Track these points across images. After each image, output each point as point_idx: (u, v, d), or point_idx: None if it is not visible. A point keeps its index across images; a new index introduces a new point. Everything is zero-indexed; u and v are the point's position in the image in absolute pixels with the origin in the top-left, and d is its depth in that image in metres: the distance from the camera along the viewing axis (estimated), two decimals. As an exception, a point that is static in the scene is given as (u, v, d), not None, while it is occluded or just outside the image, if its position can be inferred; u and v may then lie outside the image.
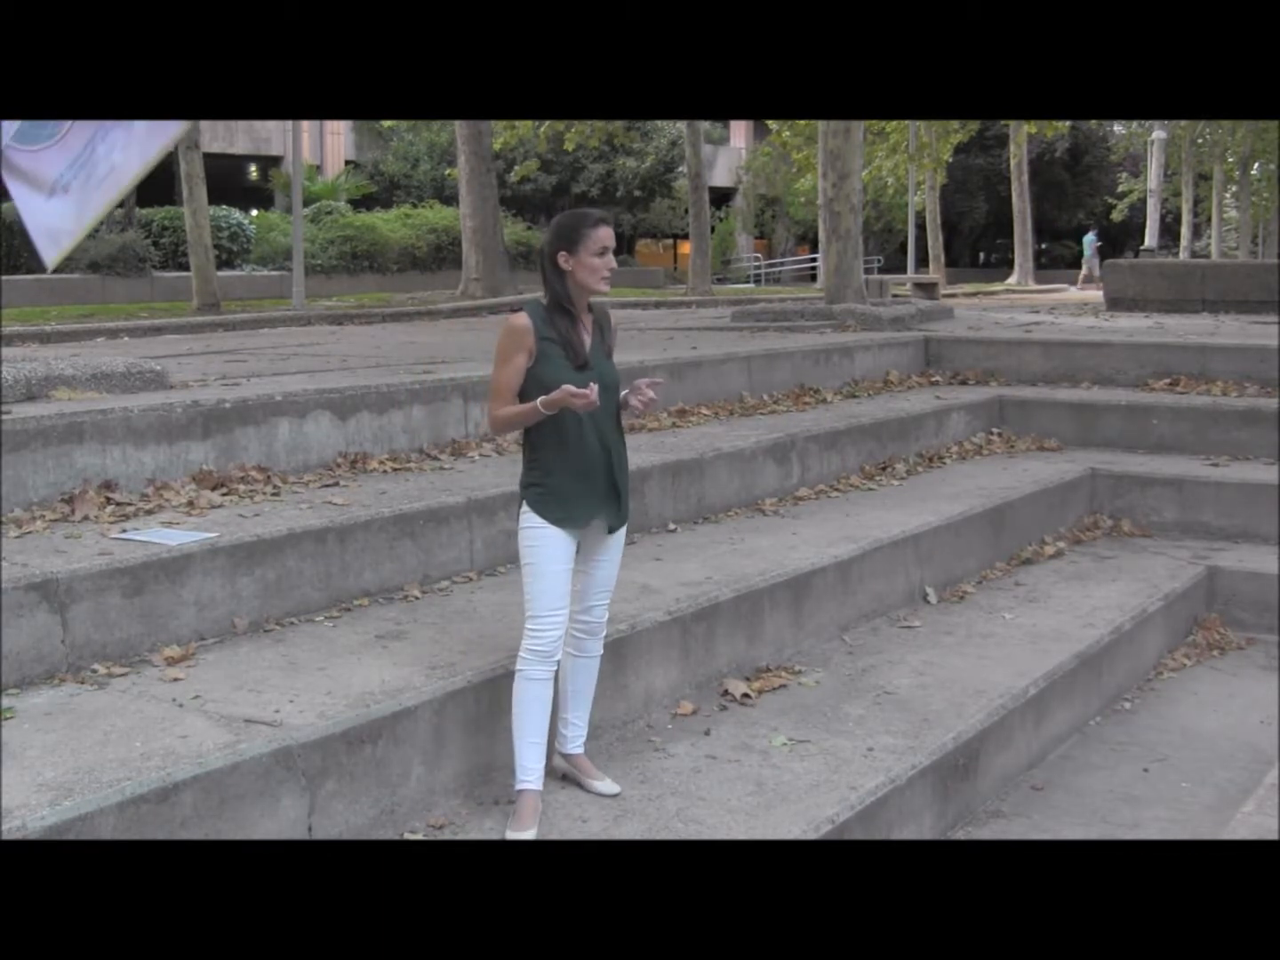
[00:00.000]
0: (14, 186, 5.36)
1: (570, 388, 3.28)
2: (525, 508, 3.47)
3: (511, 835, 3.30)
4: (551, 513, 3.42)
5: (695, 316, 14.07)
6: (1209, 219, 43.50)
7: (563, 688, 3.59)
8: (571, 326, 3.45)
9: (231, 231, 24.32)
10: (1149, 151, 33.99)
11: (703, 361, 7.38)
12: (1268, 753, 4.61)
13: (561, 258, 3.40)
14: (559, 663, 3.48)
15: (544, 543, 3.41)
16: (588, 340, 3.50)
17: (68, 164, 5.38)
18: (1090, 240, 36.15)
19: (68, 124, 5.35)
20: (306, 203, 23.02)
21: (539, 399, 3.34)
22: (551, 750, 3.61)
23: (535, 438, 3.49)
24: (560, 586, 3.41)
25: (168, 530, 4.09)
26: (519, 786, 3.39)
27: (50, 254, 5.53)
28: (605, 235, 3.40)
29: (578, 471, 3.44)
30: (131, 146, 5.43)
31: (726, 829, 3.40)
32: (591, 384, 3.29)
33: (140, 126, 5.40)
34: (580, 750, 3.67)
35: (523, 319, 3.42)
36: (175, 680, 3.53)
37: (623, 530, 3.61)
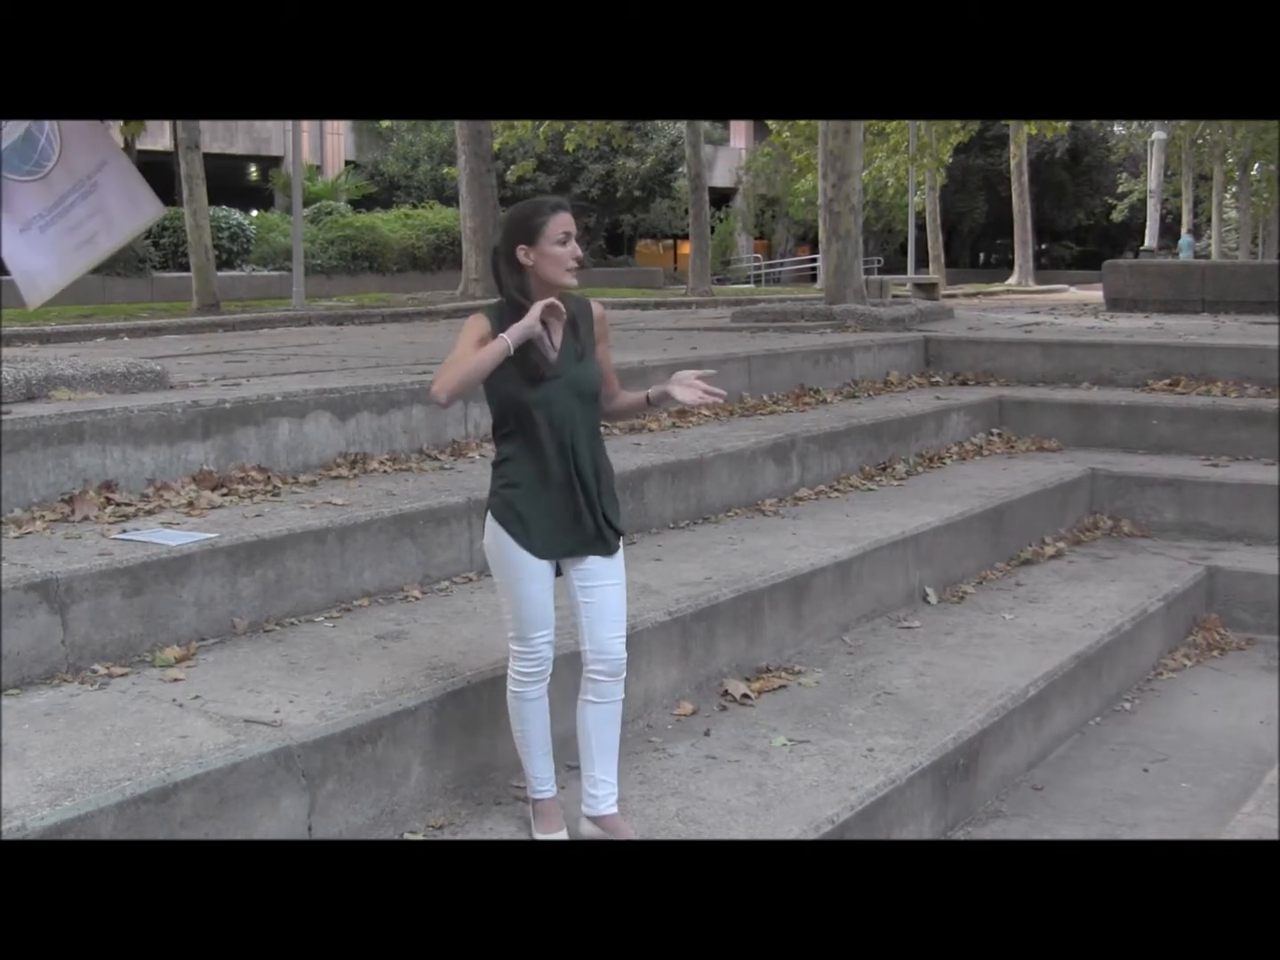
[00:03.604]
0: None
1: (543, 304, 3.06)
2: (489, 520, 3.24)
3: (544, 837, 3.29)
4: (512, 526, 3.18)
5: (695, 317, 14.07)
6: (1209, 219, 43.54)
7: (585, 742, 3.28)
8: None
9: (231, 232, 24.36)
10: (1149, 152, 34.03)
11: (702, 362, 7.37)
12: (1268, 753, 4.61)
13: (521, 252, 3.13)
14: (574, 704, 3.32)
15: (512, 559, 3.18)
16: (557, 342, 3.20)
17: (46, 207, 5.44)
18: (1189, 243, 36.02)
19: (53, 159, 5.43)
20: (306, 203, 23.04)
21: (505, 332, 3.06)
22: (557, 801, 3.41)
23: (501, 442, 3.26)
24: (543, 602, 3.20)
25: (167, 530, 4.10)
26: (539, 796, 3.33)
27: (31, 296, 5.59)
28: (565, 221, 3.13)
29: (543, 487, 3.18)
30: (112, 223, 5.62)
31: (726, 829, 3.39)
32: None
33: (116, 206, 5.58)
34: (614, 810, 3.28)
35: (480, 318, 3.17)
36: (175, 680, 3.53)
37: (620, 552, 3.31)
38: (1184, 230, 39.40)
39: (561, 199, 3.23)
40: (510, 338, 3.06)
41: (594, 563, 3.25)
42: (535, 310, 3.07)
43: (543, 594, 3.22)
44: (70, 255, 5.51)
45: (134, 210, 5.67)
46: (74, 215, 5.45)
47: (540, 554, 3.19)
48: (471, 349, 3.11)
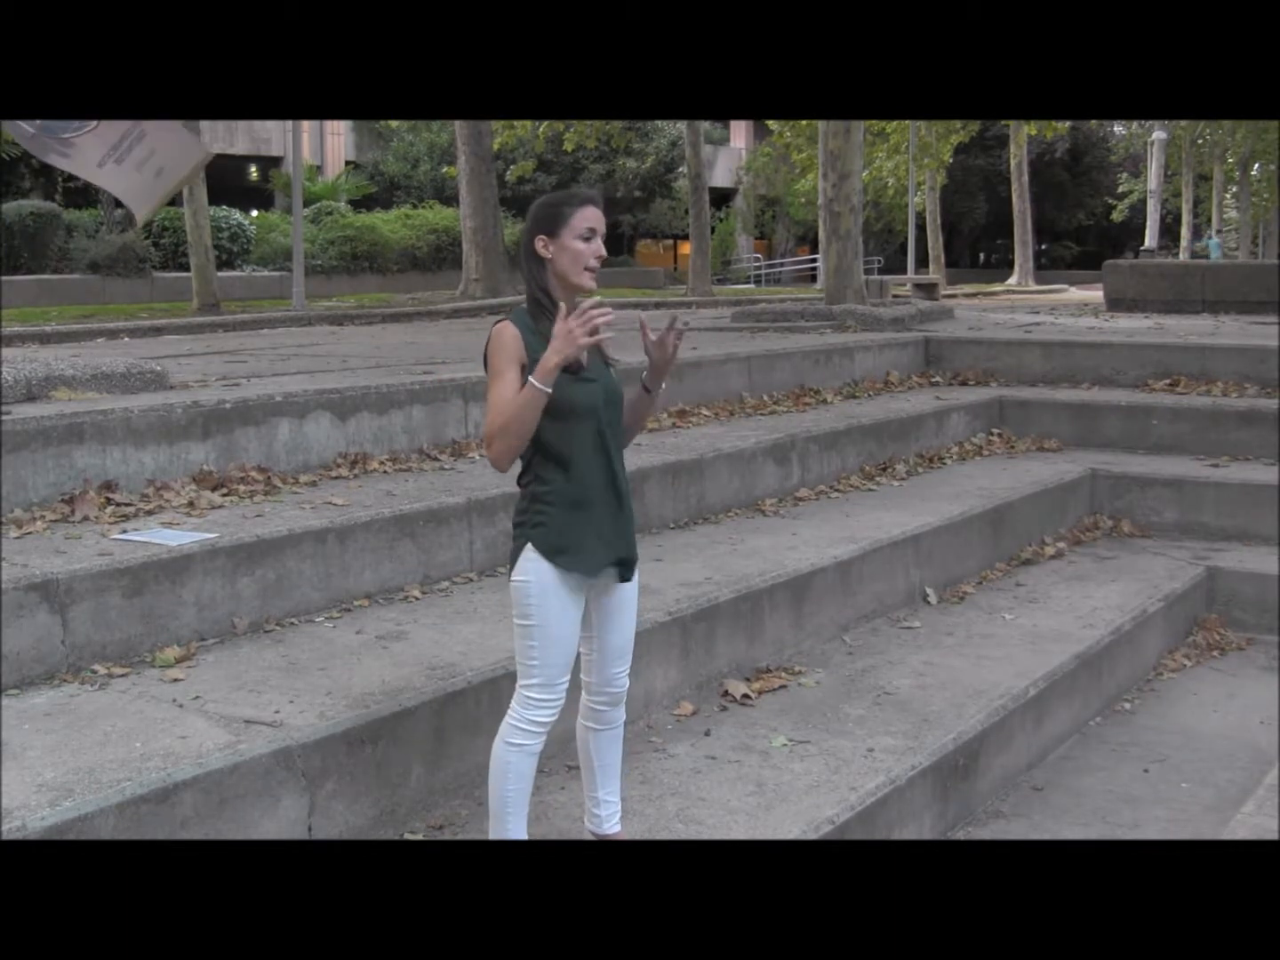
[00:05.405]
0: (66, 164, 6.01)
1: (572, 320, 2.74)
2: (528, 552, 2.91)
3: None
4: (562, 556, 2.90)
5: (695, 317, 14.06)
6: (1209, 220, 43.55)
7: (586, 763, 3.21)
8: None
9: (232, 232, 24.35)
10: (1149, 152, 34.04)
11: (703, 362, 7.38)
12: (1268, 753, 4.61)
13: (540, 243, 2.89)
14: (578, 737, 3.22)
15: (551, 596, 2.90)
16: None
17: (109, 148, 6.18)
18: (1217, 244, 36.01)
19: (90, 123, 6.04)
20: (307, 203, 23.04)
21: (532, 375, 2.77)
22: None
23: (535, 461, 2.94)
24: (572, 647, 2.97)
25: (168, 531, 4.10)
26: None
27: (139, 210, 6.59)
28: (592, 215, 2.88)
29: (589, 501, 2.94)
30: (170, 162, 6.47)
31: (726, 829, 3.39)
32: (595, 303, 2.77)
33: (168, 150, 6.49)
34: (618, 828, 3.24)
35: (508, 327, 2.88)
36: (175, 680, 3.53)
37: (635, 578, 3.13)
38: (1187, 231, 39.45)
39: (593, 192, 2.98)
40: (539, 380, 2.77)
41: (619, 592, 3.09)
42: (559, 351, 2.77)
43: (575, 633, 2.99)
44: (151, 183, 6.33)
45: (184, 154, 6.49)
46: (135, 155, 6.20)
47: (590, 572, 2.96)
48: (511, 370, 2.85)
